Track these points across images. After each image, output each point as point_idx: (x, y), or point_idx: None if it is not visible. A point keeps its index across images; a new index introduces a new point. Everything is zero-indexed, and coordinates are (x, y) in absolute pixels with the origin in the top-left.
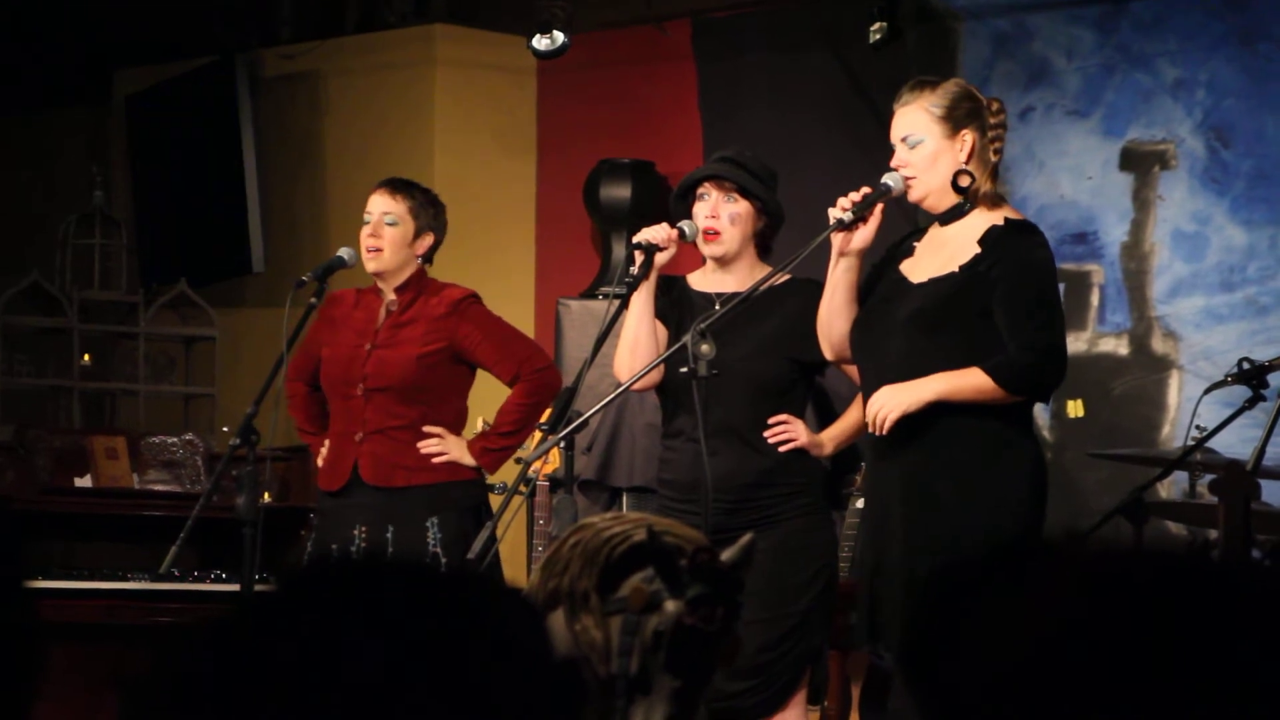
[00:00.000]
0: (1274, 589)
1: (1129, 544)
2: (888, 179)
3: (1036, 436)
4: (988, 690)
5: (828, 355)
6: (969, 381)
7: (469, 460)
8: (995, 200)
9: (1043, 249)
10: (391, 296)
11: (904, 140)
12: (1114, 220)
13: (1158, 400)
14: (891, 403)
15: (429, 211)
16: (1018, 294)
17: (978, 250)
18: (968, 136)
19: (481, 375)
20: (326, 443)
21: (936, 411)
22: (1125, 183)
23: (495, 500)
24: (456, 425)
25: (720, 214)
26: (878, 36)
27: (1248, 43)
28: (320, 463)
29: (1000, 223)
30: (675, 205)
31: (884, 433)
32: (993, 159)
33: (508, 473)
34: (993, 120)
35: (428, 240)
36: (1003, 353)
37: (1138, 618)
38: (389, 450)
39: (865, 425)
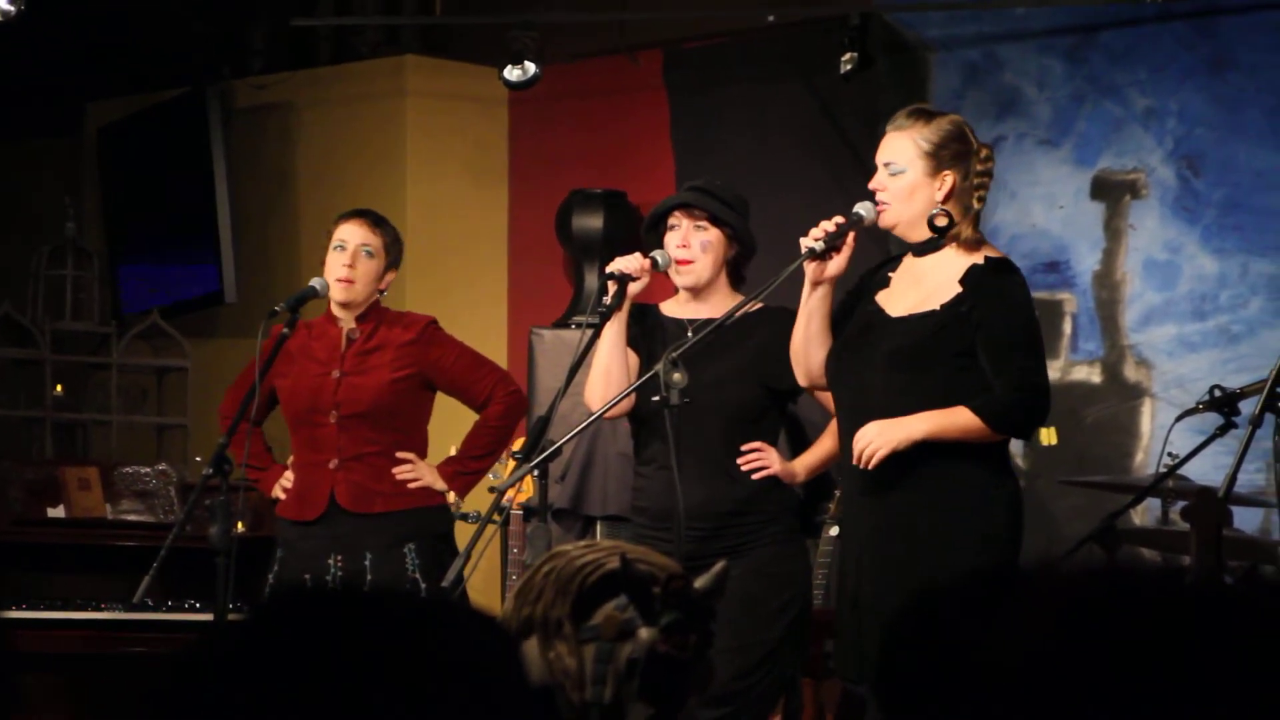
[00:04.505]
0: (1244, 610)
1: (1101, 569)
2: (860, 208)
3: (1014, 473)
4: (964, 715)
5: (801, 382)
6: (956, 420)
7: (441, 485)
8: (976, 244)
9: (1023, 288)
10: (352, 325)
11: (886, 166)
12: (1086, 249)
13: (1130, 428)
14: (880, 440)
15: (397, 249)
16: (1001, 334)
17: (959, 290)
18: (949, 177)
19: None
20: (288, 474)
21: (917, 448)
22: (1097, 212)
23: (467, 529)
24: (422, 451)
25: (691, 242)
26: (848, 67)
27: (1217, 72)
28: (280, 494)
29: (981, 261)
30: (646, 235)
31: (871, 468)
32: (975, 205)
33: (481, 501)
34: (979, 167)
35: (390, 277)
36: (984, 391)
37: (1112, 642)
38: (366, 476)
39: (838, 454)
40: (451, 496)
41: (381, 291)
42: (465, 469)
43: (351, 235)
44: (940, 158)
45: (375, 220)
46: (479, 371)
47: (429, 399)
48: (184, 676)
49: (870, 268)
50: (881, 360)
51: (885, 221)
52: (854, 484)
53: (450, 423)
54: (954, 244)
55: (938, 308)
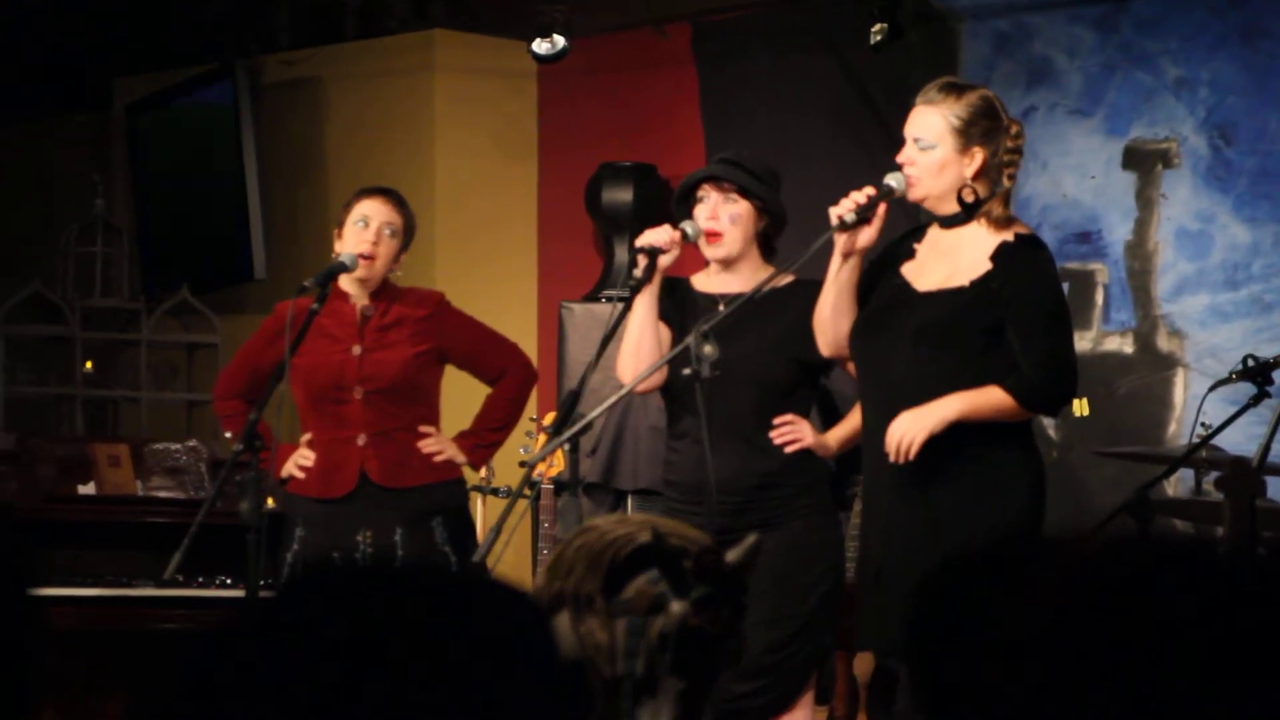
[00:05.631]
0: (1275, 578)
1: (1131, 539)
2: (890, 180)
3: (1038, 449)
4: (993, 686)
5: (825, 352)
6: (988, 400)
7: (462, 458)
8: (1006, 222)
9: (1051, 264)
10: (365, 301)
11: (916, 140)
12: (1118, 219)
13: (1163, 398)
14: (915, 428)
15: (412, 231)
16: (1031, 311)
17: (989, 266)
18: (978, 154)
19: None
20: (302, 451)
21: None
22: (1128, 182)
23: (497, 503)
24: (438, 425)
25: (720, 215)
26: (878, 38)
27: (1249, 40)
28: (296, 472)
29: (1011, 238)
30: (677, 208)
31: (911, 459)
32: (1005, 183)
33: (511, 476)
34: (1009, 144)
35: (403, 258)
36: (1007, 367)
37: (1143, 611)
38: (395, 451)
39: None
40: (481, 471)
41: (393, 271)
42: (484, 441)
43: (376, 213)
44: (970, 134)
45: (399, 200)
46: (492, 344)
47: (441, 373)
48: (217, 652)
49: (894, 238)
50: (909, 335)
51: (915, 195)
52: (875, 458)
53: (458, 396)
54: (983, 219)
55: (967, 284)
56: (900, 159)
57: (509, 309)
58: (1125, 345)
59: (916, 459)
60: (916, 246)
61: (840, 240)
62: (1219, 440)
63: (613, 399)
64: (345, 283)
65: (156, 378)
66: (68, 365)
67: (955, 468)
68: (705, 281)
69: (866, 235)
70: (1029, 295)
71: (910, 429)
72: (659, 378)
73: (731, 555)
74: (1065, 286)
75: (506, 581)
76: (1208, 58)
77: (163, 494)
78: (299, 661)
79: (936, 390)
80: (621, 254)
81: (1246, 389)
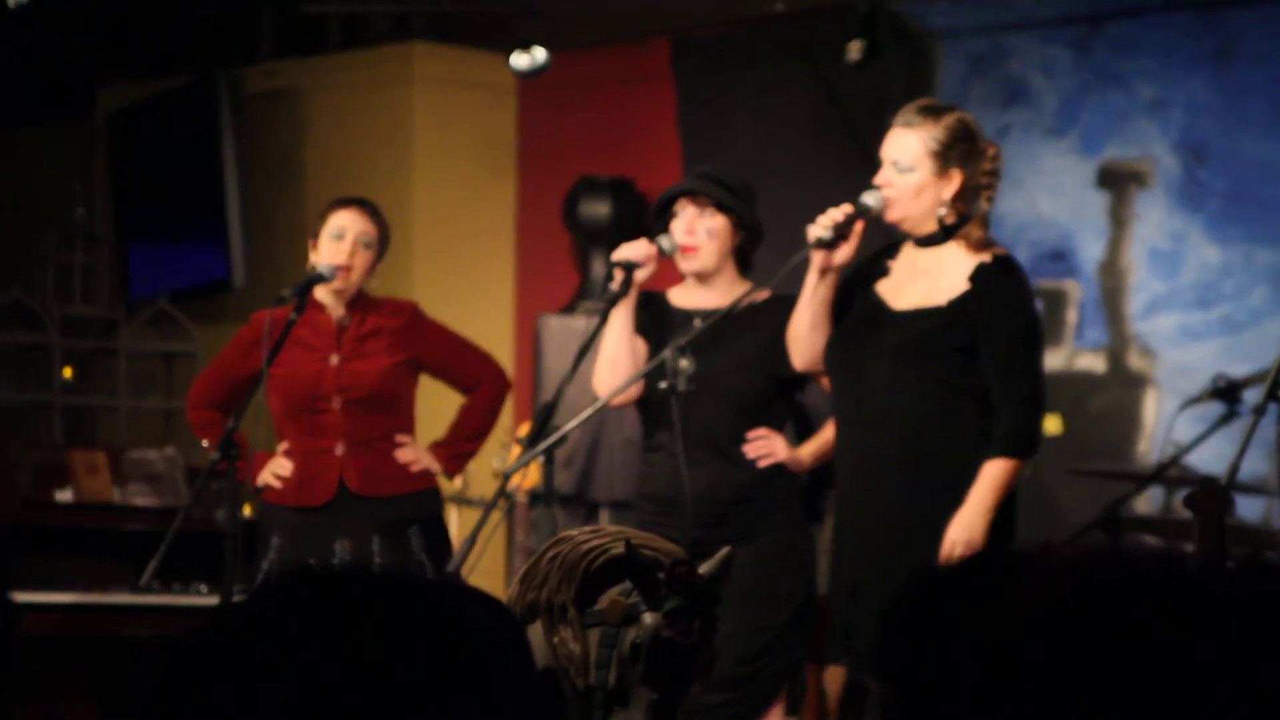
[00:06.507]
0: (1244, 593)
1: (1102, 552)
2: (867, 198)
3: None
4: (965, 700)
5: (798, 366)
6: (997, 479)
7: (438, 467)
8: (985, 244)
9: (1026, 285)
10: (341, 312)
11: (894, 163)
12: (1091, 238)
13: (1134, 416)
14: (970, 534)
15: (387, 240)
16: (1009, 340)
17: (966, 287)
18: (956, 176)
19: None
20: (279, 460)
21: (917, 438)
22: (1102, 201)
23: (472, 513)
24: (413, 434)
25: (697, 229)
26: (856, 56)
27: (1222, 62)
28: (273, 480)
29: (989, 260)
30: (654, 222)
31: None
32: (984, 205)
33: (487, 486)
34: (987, 166)
35: (377, 268)
36: (980, 386)
37: (1111, 623)
38: (375, 461)
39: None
40: (457, 481)
41: (368, 281)
42: (459, 451)
43: (352, 224)
44: (948, 157)
45: (374, 211)
46: (467, 354)
47: (416, 382)
48: (191, 656)
49: (867, 256)
50: (886, 353)
51: (891, 217)
52: (848, 472)
53: (431, 405)
54: (961, 241)
55: (944, 304)
56: (878, 181)
57: (486, 320)
58: (1097, 363)
59: (891, 476)
60: (890, 264)
61: (817, 257)
62: (1189, 459)
63: (588, 411)
64: (320, 293)
65: (135, 386)
66: (46, 372)
67: (931, 483)
68: (682, 296)
69: (843, 253)
70: (1005, 321)
71: (967, 538)
72: (635, 391)
73: (704, 568)
74: (1039, 304)
75: (482, 590)
76: (1181, 79)
77: (140, 501)
78: (273, 667)
79: (911, 406)
80: (598, 267)
81: (1216, 408)
